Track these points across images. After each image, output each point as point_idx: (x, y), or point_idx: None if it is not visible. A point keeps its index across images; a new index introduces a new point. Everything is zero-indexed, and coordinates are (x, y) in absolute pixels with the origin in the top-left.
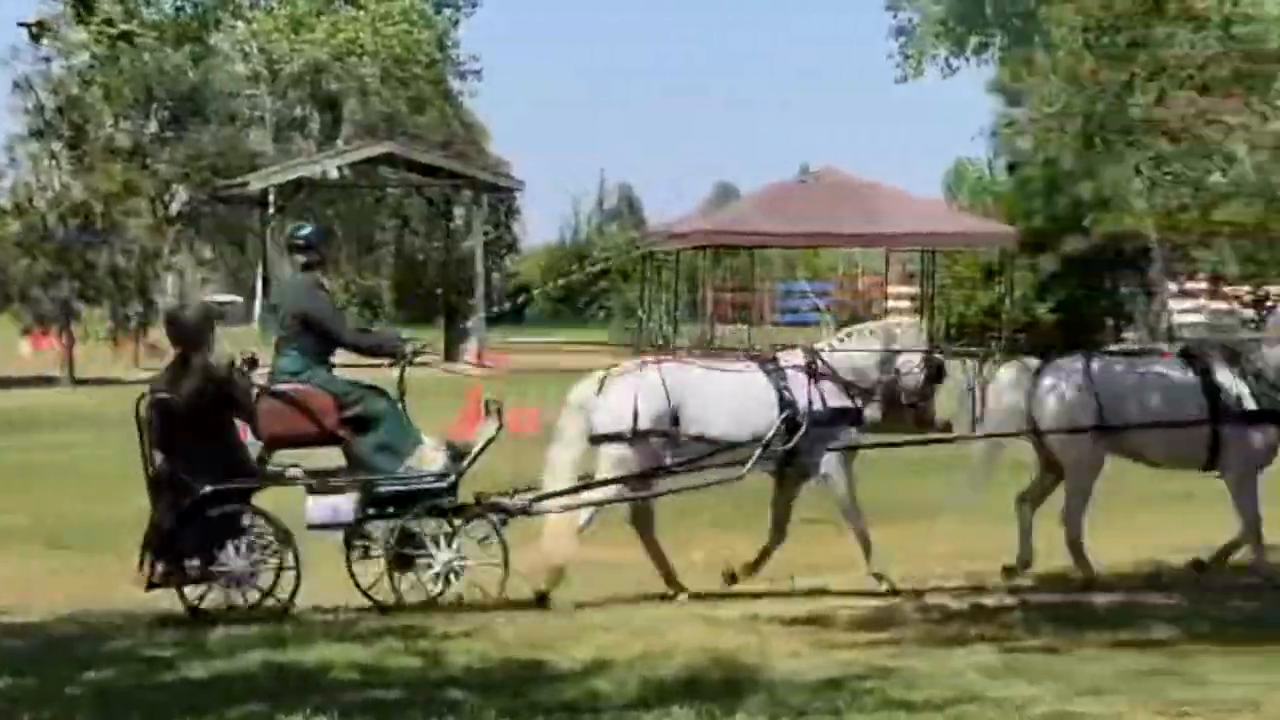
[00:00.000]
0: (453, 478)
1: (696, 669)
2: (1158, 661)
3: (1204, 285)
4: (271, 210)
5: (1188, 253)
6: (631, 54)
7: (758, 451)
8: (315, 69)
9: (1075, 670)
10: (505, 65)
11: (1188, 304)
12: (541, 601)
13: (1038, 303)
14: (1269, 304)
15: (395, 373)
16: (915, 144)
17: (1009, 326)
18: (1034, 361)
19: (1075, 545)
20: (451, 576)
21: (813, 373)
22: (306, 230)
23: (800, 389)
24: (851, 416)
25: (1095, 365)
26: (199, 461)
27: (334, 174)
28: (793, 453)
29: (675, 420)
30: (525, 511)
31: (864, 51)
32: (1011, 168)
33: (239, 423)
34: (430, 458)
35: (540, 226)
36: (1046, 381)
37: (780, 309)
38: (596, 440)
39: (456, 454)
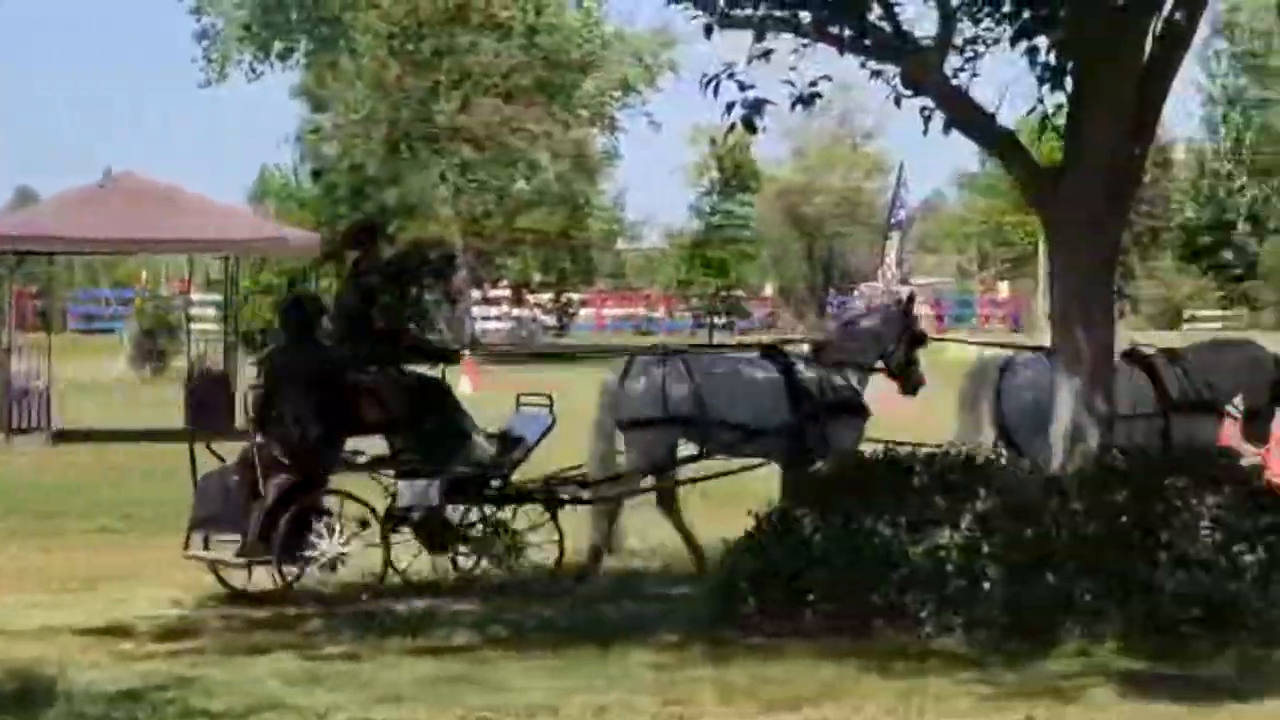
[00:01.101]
0: (507, 467)
1: None
2: (458, 668)
3: (507, 292)
4: None
5: (492, 260)
6: None
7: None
8: None
9: (376, 677)
10: None
11: (491, 311)
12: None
13: None
14: (570, 310)
15: None
16: (223, 149)
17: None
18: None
19: None
20: (513, 558)
21: (819, 363)
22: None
23: (810, 380)
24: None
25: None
26: (299, 443)
27: None
28: (803, 441)
29: (700, 406)
30: (578, 499)
31: (169, 54)
32: (317, 174)
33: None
34: (482, 446)
35: None
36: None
37: (82, 316)
38: (626, 426)
39: (508, 444)
